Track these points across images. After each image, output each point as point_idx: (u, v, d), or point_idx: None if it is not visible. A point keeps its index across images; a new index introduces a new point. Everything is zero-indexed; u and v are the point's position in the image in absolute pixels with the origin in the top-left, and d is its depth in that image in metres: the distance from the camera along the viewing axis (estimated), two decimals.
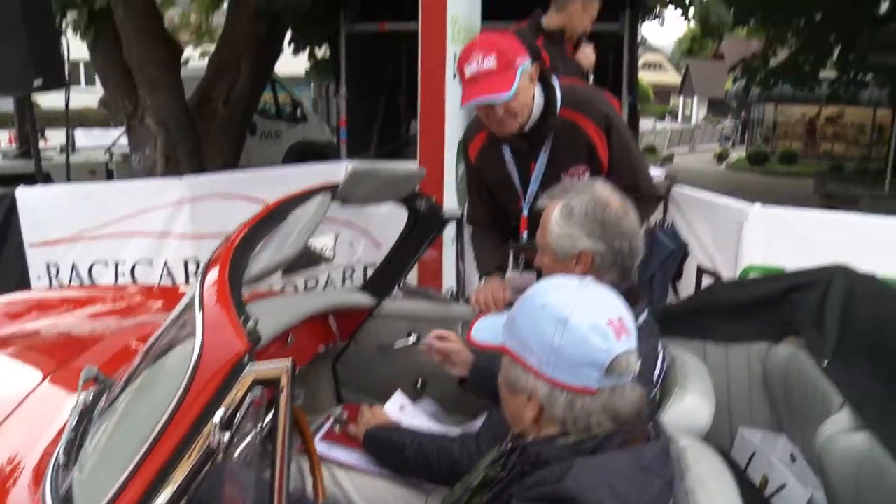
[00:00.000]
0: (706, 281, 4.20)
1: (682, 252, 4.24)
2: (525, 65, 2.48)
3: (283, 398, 1.25)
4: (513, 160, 2.73)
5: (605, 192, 2.07)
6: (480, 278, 2.78)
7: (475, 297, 2.62)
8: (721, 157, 25.79)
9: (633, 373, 1.40)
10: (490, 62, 2.41)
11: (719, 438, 2.57)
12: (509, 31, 3.43)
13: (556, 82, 2.65)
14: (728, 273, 3.92)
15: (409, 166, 2.97)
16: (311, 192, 2.00)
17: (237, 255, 1.51)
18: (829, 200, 13.24)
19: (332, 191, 2.05)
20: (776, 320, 2.61)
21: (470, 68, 2.45)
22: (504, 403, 1.51)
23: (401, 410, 2.45)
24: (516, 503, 1.35)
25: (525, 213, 2.77)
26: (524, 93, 2.49)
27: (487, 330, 1.53)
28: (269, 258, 1.60)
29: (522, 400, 1.42)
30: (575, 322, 1.36)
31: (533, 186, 2.72)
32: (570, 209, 2.03)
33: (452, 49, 3.20)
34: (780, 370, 2.52)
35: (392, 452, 2.16)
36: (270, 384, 1.28)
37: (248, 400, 1.29)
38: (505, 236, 2.89)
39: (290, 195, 1.90)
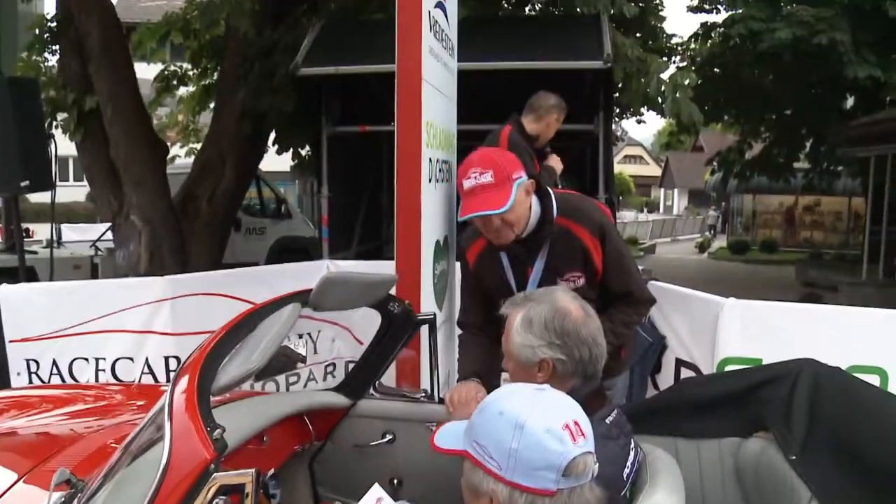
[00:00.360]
0: (685, 373, 4.19)
1: (660, 345, 4.28)
2: (521, 179, 2.63)
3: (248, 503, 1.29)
4: (510, 266, 2.84)
5: (564, 300, 2.09)
6: (458, 380, 2.82)
7: (448, 396, 2.66)
8: (703, 247, 26.17)
9: (592, 474, 1.44)
10: (487, 177, 2.57)
11: None
12: (504, 147, 3.62)
13: (551, 192, 2.78)
14: (706, 365, 3.94)
15: (384, 270, 3.04)
16: (283, 299, 2.06)
17: (207, 364, 1.57)
18: (810, 288, 13.44)
19: (304, 298, 2.11)
20: (745, 416, 2.63)
21: (468, 182, 2.60)
22: None
23: None
24: None
25: None
26: (520, 205, 2.63)
27: (450, 435, 1.57)
28: (239, 367, 1.66)
29: (484, 503, 1.45)
30: (531, 427, 1.40)
31: (529, 290, 2.79)
32: (529, 319, 2.06)
33: (428, 153, 3.30)
34: (751, 465, 2.54)
35: None
36: (236, 491, 1.31)
37: None
38: (494, 340, 2.94)
39: (261, 304, 1.97)
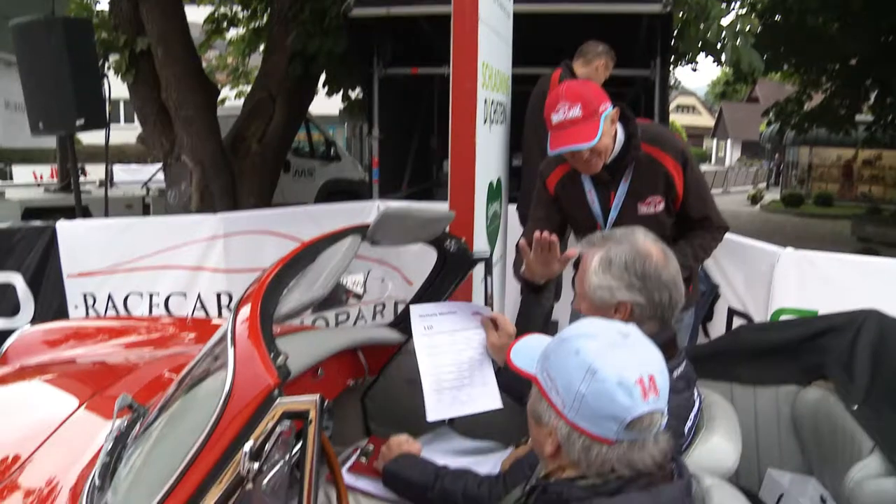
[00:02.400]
0: (737, 323, 4.16)
1: (712, 294, 4.23)
2: (608, 111, 2.64)
3: (311, 430, 1.29)
4: (594, 190, 2.86)
5: (645, 241, 2.04)
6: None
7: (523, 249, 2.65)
8: (755, 199, 25.60)
9: (658, 429, 1.39)
10: (576, 111, 2.57)
11: (747, 479, 2.55)
12: (589, 80, 3.56)
13: (634, 119, 2.80)
14: (759, 315, 3.91)
15: (440, 207, 3.01)
16: (342, 232, 2.05)
17: (269, 293, 1.56)
18: (866, 243, 13.07)
19: (363, 232, 2.09)
20: (804, 364, 2.60)
21: (557, 117, 2.60)
22: (530, 428, 1.52)
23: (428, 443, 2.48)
24: None
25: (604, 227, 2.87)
26: (607, 135, 2.65)
27: (526, 354, 1.55)
28: (299, 297, 1.65)
29: (544, 433, 1.44)
30: (603, 375, 1.35)
31: (612, 214, 2.84)
32: (608, 260, 2.01)
33: (483, 94, 3.25)
34: (809, 413, 2.50)
35: (414, 492, 2.15)
36: (299, 417, 1.31)
37: (277, 431, 1.33)
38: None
39: (321, 236, 1.95)
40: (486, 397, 2.35)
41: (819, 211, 22.08)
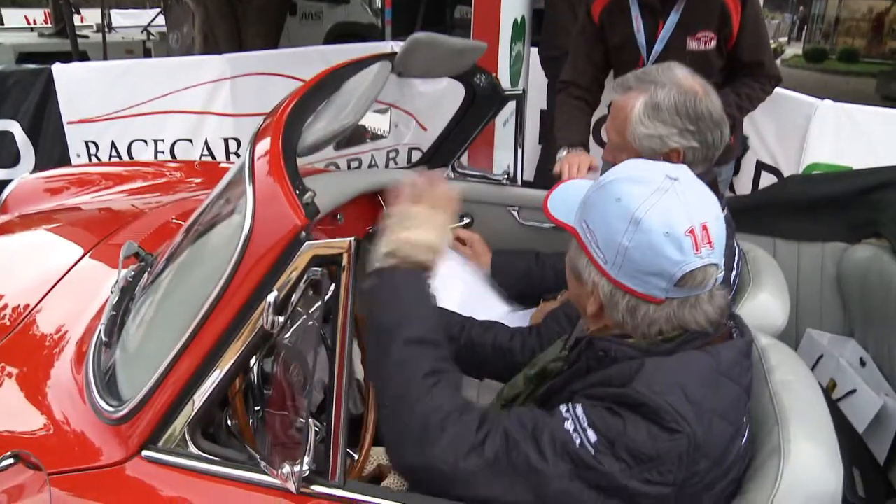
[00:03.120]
0: (765, 176, 4.04)
1: (742, 146, 4.04)
2: None
3: (344, 278, 1.13)
4: (641, 18, 2.68)
5: (687, 78, 1.82)
6: (559, 150, 2.61)
7: (559, 166, 2.45)
8: (776, 54, 24.72)
9: (714, 284, 1.22)
10: None
11: (785, 339, 2.45)
12: None
13: None
14: (790, 170, 3.77)
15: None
16: (369, 59, 1.82)
17: (290, 123, 1.35)
18: (892, 102, 12.62)
19: (391, 59, 1.88)
20: (855, 220, 2.46)
21: None
22: (569, 285, 1.35)
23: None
24: (580, 400, 1.21)
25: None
26: None
27: (563, 204, 1.33)
28: (328, 125, 1.44)
29: (585, 291, 1.27)
30: (648, 225, 1.16)
31: (658, 47, 2.66)
32: (655, 105, 1.79)
33: None
34: (857, 272, 2.37)
35: None
36: (331, 262, 1.15)
37: (305, 279, 1.17)
38: (594, 107, 2.84)
39: (345, 62, 1.73)
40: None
41: (843, 67, 21.20)
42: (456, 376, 1.31)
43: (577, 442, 1.14)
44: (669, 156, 1.81)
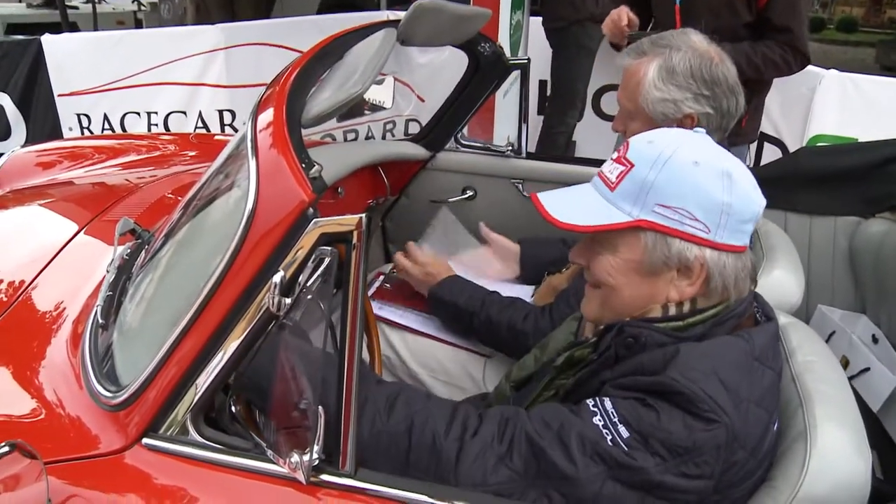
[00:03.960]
0: (768, 149, 4.02)
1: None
2: None
3: (354, 257, 1.06)
4: None
5: (703, 44, 1.79)
6: None
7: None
8: None
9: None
10: None
11: (796, 315, 2.41)
12: None
13: None
14: (794, 142, 3.75)
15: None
16: (373, 26, 1.75)
17: (293, 93, 1.28)
18: (891, 72, 12.54)
19: (395, 26, 1.81)
20: (870, 193, 2.41)
21: None
22: (624, 290, 1.22)
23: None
24: (608, 392, 1.15)
25: (678, 2, 2.62)
26: None
27: (585, 206, 1.21)
28: (333, 94, 1.37)
29: (666, 278, 1.19)
30: (738, 175, 1.15)
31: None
32: (670, 68, 1.75)
33: None
34: (872, 246, 2.32)
35: (458, 319, 2.00)
36: (340, 240, 1.08)
37: (312, 258, 1.11)
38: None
39: (348, 29, 1.65)
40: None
41: (841, 37, 21.05)
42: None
43: (608, 439, 1.09)
44: (683, 122, 1.77)
